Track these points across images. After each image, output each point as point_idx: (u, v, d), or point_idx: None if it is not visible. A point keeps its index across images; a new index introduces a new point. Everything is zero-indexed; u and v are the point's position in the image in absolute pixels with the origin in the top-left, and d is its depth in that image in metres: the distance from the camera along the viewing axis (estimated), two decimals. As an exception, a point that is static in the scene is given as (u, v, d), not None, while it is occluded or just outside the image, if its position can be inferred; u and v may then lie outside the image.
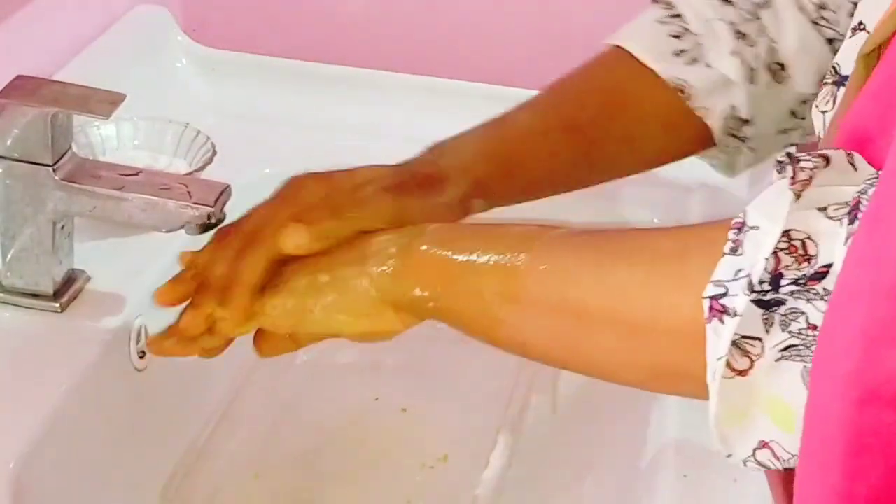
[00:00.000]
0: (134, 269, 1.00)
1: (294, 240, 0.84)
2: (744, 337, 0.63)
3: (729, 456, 0.66)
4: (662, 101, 0.94)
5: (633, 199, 1.14)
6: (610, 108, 0.94)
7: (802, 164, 0.64)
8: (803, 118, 0.97)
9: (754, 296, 0.62)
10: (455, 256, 0.78)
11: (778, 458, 0.65)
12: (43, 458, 0.86)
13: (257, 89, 1.26)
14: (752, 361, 0.64)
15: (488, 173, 0.90)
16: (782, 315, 0.63)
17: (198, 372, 1.07)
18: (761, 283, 0.62)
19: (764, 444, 0.65)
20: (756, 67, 0.94)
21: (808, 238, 0.63)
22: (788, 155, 0.65)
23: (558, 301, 0.74)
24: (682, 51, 0.94)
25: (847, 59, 0.76)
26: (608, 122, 0.94)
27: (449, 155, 0.91)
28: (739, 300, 0.63)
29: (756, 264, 0.63)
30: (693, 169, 1.18)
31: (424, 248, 0.80)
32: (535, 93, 1.21)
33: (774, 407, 0.64)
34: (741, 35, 0.93)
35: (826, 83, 0.77)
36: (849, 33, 0.77)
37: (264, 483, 1.03)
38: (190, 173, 1.05)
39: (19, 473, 0.83)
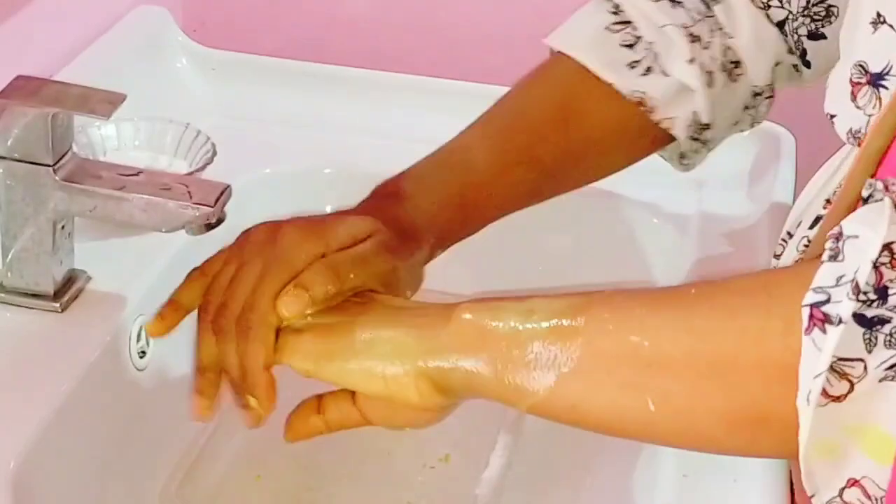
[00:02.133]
0: (134, 269, 1.00)
1: (297, 308, 0.78)
2: (841, 359, 0.60)
3: (812, 496, 0.63)
4: (621, 116, 0.91)
5: (634, 199, 1.14)
6: (568, 131, 0.91)
7: (893, 182, 0.62)
8: (755, 107, 0.96)
9: (858, 305, 0.59)
10: (500, 324, 0.72)
11: (869, 497, 0.61)
12: (43, 458, 0.86)
13: (257, 89, 1.26)
14: (851, 385, 0.60)
15: (450, 224, 0.87)
16: (887, 334, 0.59)
17: (198, 372, 1.07)
18: (865, 293, 0.59)
19: (854, 483, 0.61)
20: (713, 70, 0.92)
21: None
22: (877, 181, 0.63)
23: (625, 351, 0.68)
24: (637, 61, 0.91)
25: (874, 55, 0.74)
26: (567, 148, 0.91)
27: (414, 203, 0.87)
28: (844, 306, 0.59)
29: (861, 267, 0.59)
30: (694, 170, 1.18)
31: (467, 316, 0.74)
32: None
33: (871, 437, 0.60)
34: (695, 38, 0.91)
35: (859, 83, 0.75)
36: (868, 28, 0.75)
37: (265, 483, 1.03)
38: (190, 173, 1.05)
39: (19, 473, 0.83)
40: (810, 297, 0.61)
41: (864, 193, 0.62)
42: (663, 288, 0.74)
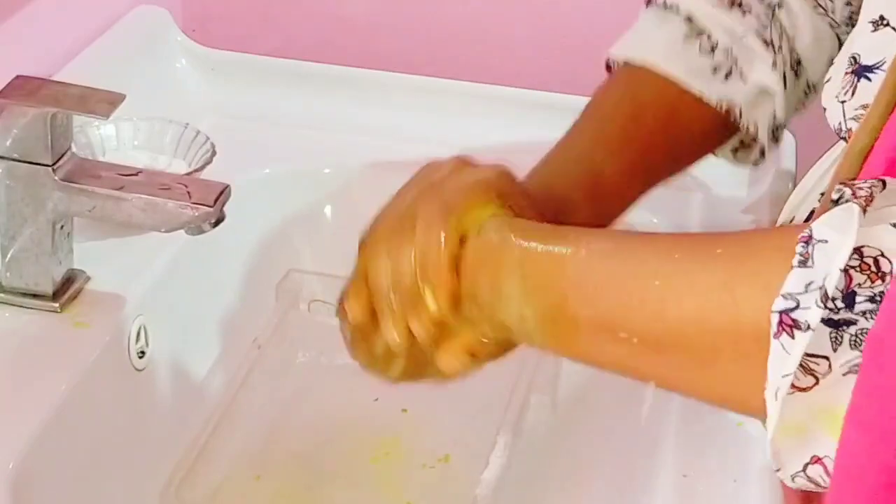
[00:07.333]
0: (134, 269, 1.00)
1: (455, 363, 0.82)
2: (809, 355, 0.61)
3: (777, 470, 0.65)
4: (713, 122, 0.94)
5: (633, 199, 1.14)
6: (672, 138, 0.94)
7: (858, 185, 0.63)
8: (805, 104, 0.99)
9: (826, 312, 0.60)
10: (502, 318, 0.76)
11: (829, 474, 0.63)
12: (43, 459, 0.86)
13: (257, 89, 1.25)
14: (816, 380, 0.61)
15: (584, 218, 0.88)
16: (853, 335, 0.61)
17: (197, 372, 1.07)
18: (833, 299, 0.60)
19: (817, 460, 0.63)
20: (785, 72, 0.94)
21: (882, 255, 0.60)
22: (842, 184, 0.64)
23: (617, 347, 0.71)
24: (717, 67, 0.93)
25: (869, 50, 0.75)
26: (670, 153, 0.94)
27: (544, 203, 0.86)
28: (812, 313, 0.60)
29: (830, 275, 0.60)
30: (693, 170, 1.18)
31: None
32: (537, 93, 1.22)
33: (834, 419, 0.61)
34: (768, 43, 0.94)
35: (847, 73, 0.76)
36: (868, 27, 0.76)
37: (264, 483, 1.03)
38: (190, 173, 1.05)
39: (19, 473, 0.83)
40: (779, 304, 0.62)
41: (834, 196, 0.63)
42: (627, 261, 0.73)
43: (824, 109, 0.79)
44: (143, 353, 0.98)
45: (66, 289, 0.96)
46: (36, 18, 1.15)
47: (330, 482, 1.04)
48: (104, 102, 0.90)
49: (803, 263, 0.62)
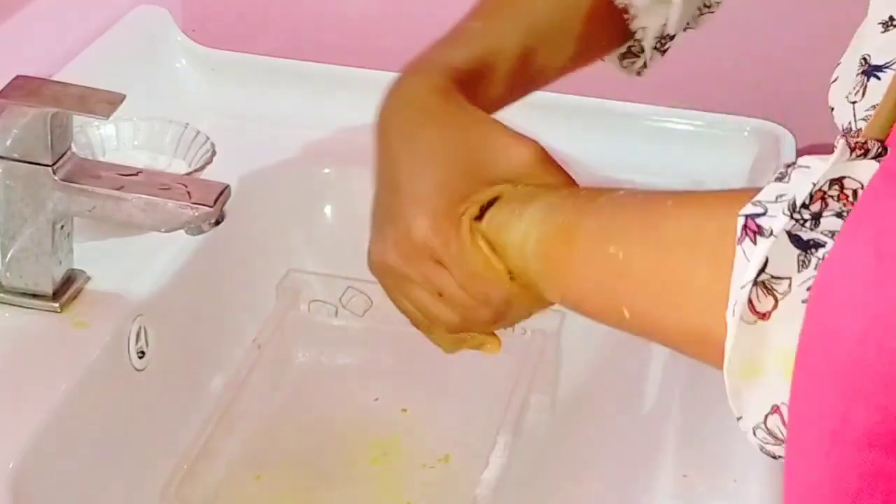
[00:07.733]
0: (134, 269, 1.00)
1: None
2: (773, 277, 0.61)
3: (739, 419, 0.64)
4: (606, 20, 0.95)
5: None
6: (565, 32, 0.95)
7: (857, 137, 0.63)
8: (697, 21, 1.00)
9: (791, 223, 0.60)
10: (504, 240, 0.79)
11: (785, 424, 0.62)
12: (43, 458, 0.86)
13: (257, 89, 1.25)
14: (776, 301, 0.61)
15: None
16: (820, 258, 0.60)
17: (197, 372, 1.07)
18: (804, 217, 0.60)
19: (776, 409, 0.62)
20: None
21: (862, 187, 0.60)
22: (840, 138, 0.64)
23: (603, 260, 0.73)
24: None
25: (880, 51, 0.75)
26: (560, 26, 0.95)
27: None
28: (777, 221, 0.60)
29: (801, 190, 0.60)
30: (693, 170, 1.18)
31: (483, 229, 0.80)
32: (536, 93, 1.22)
33: (790, 362, 0.61)
34: None
35: (857, 73, 0.77)
36: (877, 28, 0.76)
37: (264, 483, 1.03)
38: (190, 173, 1.05)
39: (19, 473, 0.83)
40: (748, 209, 0.62)
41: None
42: (650, 194, 0.75)
43: (831, 109, 0.79)
44: (143, 353, 0.98)
45: (66, 289, 0.96)
46: (36, 18, 1.15)
47: (330, 482, 1.04)
48: (104, 102, 0.90)
49: (780, 179, 0.63)
